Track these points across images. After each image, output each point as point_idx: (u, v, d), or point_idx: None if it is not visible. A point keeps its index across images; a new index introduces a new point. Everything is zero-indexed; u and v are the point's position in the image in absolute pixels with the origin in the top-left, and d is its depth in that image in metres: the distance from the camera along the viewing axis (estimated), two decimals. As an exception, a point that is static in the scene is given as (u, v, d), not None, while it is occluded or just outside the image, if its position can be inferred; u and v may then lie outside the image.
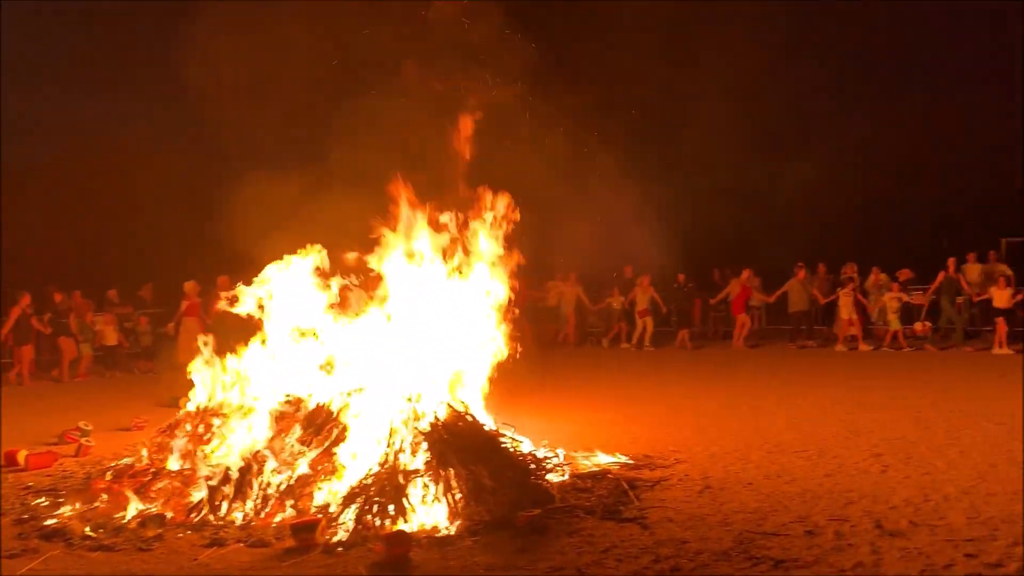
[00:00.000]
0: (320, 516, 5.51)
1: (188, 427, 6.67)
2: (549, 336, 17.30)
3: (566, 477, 6.53)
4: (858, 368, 12.96)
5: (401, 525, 5.45)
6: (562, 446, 7.35)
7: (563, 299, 17.34)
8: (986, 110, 23.07)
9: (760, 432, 8.32)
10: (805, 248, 19.32)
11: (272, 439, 6.22)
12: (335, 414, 6.22)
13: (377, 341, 6.60)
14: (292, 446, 6.13)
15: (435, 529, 5.47)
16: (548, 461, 6.69)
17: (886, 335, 14.91)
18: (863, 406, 9.56)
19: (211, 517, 5.72)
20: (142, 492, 6.01)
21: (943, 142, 23.59)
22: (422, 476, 5.75)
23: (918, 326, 14.87)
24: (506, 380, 7.23)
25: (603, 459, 7.19)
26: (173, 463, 6.33)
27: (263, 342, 6.89)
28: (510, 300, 7.13)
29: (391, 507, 5.57)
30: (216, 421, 6.60)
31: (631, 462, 7.17)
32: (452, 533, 5.40)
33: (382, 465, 5.87)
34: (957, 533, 5.19)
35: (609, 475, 6.68)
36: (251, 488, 5.87)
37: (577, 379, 12.82)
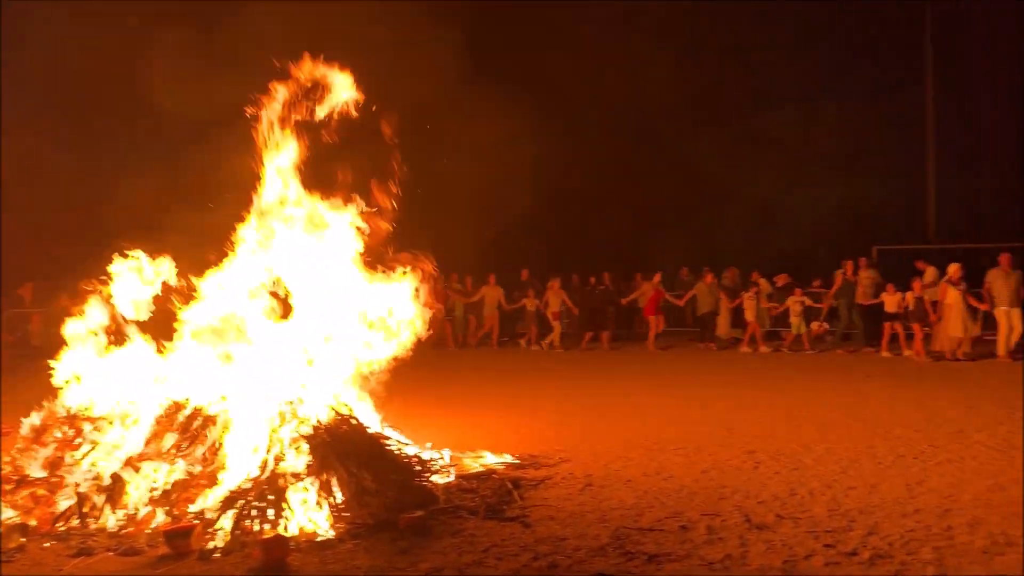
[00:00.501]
0: (196, 522, 5.38)
1: (58, 432, 6.38)
2: (458, 338, 17.38)
3: (452, 478, 6.56)
4: (751, 369, 13.44)
5: (281, 530, 5.37)
6: (450, 447, 7.39)
7: (485, 300, 17.44)
8: (858, 120, 24.35)
9: (643, 431, 8.56)
10: (695, 254, 20.07)
11: (147, 444, 6.02)
12: (213, 418, 6.07)
13: (260, 342, 6.47)
14: (168, 451, 5.95)
15: (315, 533, 5.41)
16: (434, 463, 6.71)
17: (788, 337, 15.63)
18: (741, 406, 9.96)
19: (79, 526, 5.50)
20: (4, 501, 5.72)
21: (817, 152, 24.81)
22: (303, 480, 5.68)
23: (815, 325, 15.60)
24: (401, 382, 7.20)
25: (490, 459, 7.26)
26: (37, 470, 6.04)
27: (139, 344, 6.66)
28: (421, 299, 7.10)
29: (270, 511, 5.48)
30: (87, 426, 6.34)
31: (517, 462, 7.26)
32: (333, 536, 5.36)
33: (261, 469, 5.77)
34: (819, 525, 5.48)
35: (495, 475, 6.76)
36: (123, 495, 5.67)
37: (478, 381, 12.86)
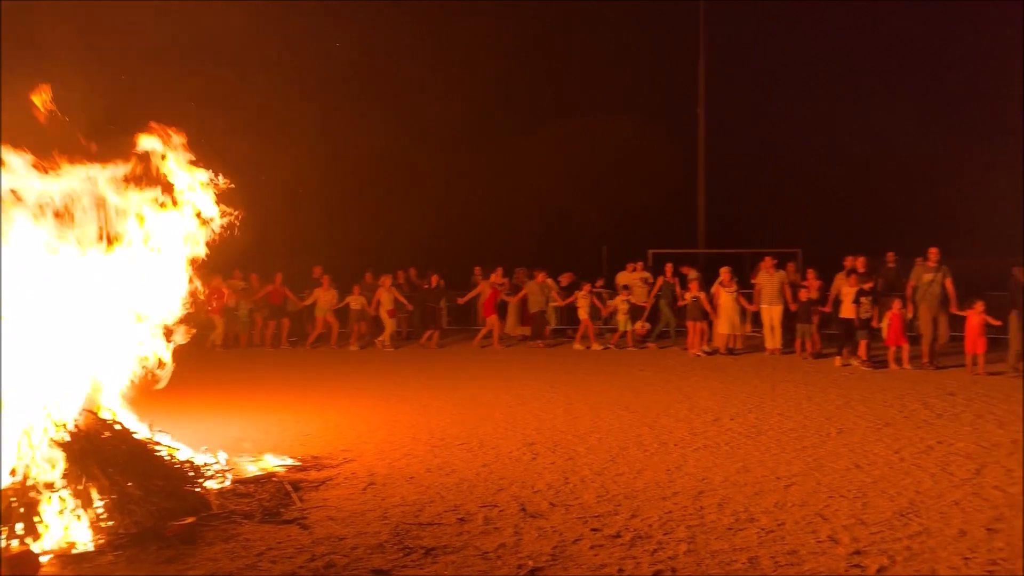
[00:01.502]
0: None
1: None
2: (242, 338, 16.60)
3: (227, 483, 6.33)
4: (545, 365, 13.86)
5: (34, 544, 4.95)
6: (229, 451, 7.13)
7: (317, 303, 16.81)
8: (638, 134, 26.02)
9: (428, 427, 8.67)
10: (485, 254, 20.52)
11: None
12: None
13: (14, 342, 5.91)
14: None
15: (73, 545, 5.04)
16: (208, 468, 6.44)
17: (615, 335, 16.32)
18: (523, 399, 10.32)
19: None
20: None
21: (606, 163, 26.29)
22: (58, 490, 5.27)
23: (638, 325, 16.36)
24: (181, 384, 6.83)
25: (271, 462, 7.07)
26: None
27: None
28: (199, 299, 6.74)
29: (20, 525, 5.04)
30: None
31: (299, 464, 7.12)
32: (92, 549, 5.02)
33: (12, 480, 5.29)
34: (588, 510, 5.82)
35: (274, 478, 6.60)
36: None
37: (272, 383, 12.38)
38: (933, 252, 12.73)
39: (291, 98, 23.64)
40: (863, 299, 12.77)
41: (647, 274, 16.59)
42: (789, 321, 14.50)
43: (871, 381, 11.36)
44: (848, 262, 13.92)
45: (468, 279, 18.63)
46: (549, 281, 16.73)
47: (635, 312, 16.16)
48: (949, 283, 12.68)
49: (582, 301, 16.22)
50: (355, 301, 16.67)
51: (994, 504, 5.80)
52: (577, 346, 16.00)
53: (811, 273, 14.40)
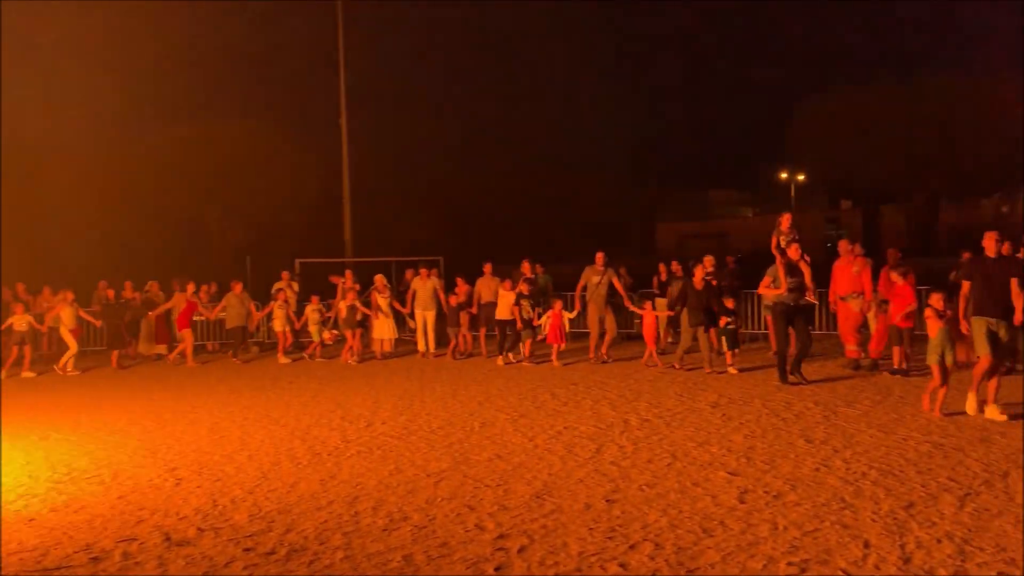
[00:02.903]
0: None
1: None
2: None
3: None
4: (190, 384, 12.92)
5: None
6: None
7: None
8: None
9: (49, 461, 7.71)
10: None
11: None
12: None
13: None
14: None
15: None
16: None
17: (312, 345, 15.52)
18: (163, 421, 9.61)
19: None
20: None
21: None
22: None
23: (326, 335, 15.73)
24: None
25: None
26: None
27: None
28: None
29: None
30: None
31: None
32: None
33: None
34: (240, 531, 5.59)
35: None
36: None
37: None
38: (599, 256, 13.66)
39: None
40: (523, 301, 13.72)
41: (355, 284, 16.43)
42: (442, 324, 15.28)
43: (508, 377, 12.30)
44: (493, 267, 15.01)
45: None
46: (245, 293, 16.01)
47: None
48: (616, 282, 13.66)
49: (277, 312, 15.57)
50: (19, 321, 14.26)
51: (611, 478, 6.60)
52: (282, 360, 15.19)
53: (459, 279, 15.29)
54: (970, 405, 8.46)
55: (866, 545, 4.94)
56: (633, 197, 57.06)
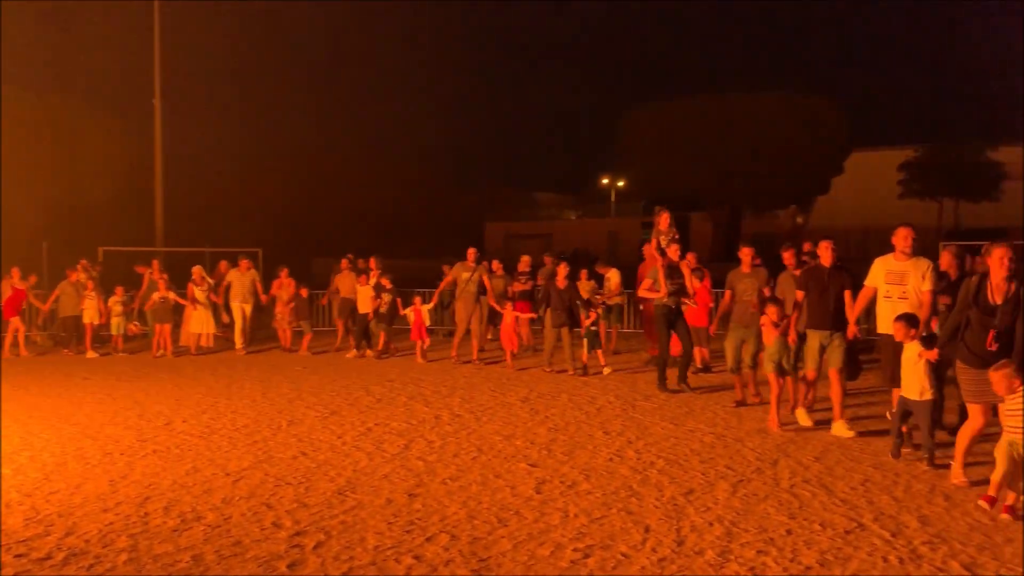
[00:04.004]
0: None
1: None
2: None
3: None
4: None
5: None
6: None
7: None
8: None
9: None
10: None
11: None
12: None
13: None
14: None
15: None
16: None
17: (115, 339, 14.59)
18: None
19: None
20: None
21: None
22: None
23: (131, 327, 14.86)
24: None
25: None
26: None
27: None
28: None
29: None
30: None
31: None
32: None
33: None
34: (13, 536, 5.22)
35: None
36: None
37: None
38: (471, 252, 13.46)
39: None
40: (383, 295, 13.63)
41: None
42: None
43: (323, 374, 12.11)
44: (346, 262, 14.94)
45: None
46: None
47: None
48: (487, 280, 13.43)
49: (88, 303, 14.42)
50: None
51: (416, 473, 6.68)
52: (91, 354, 14.07)
53: (284, 271, 14.94)
54: (802, 417, 8.28)
55: (647, 530, 5.29)
56: (462, 196, 57.67)
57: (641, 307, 12.95)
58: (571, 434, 8.02)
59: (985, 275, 6.09)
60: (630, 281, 13.27)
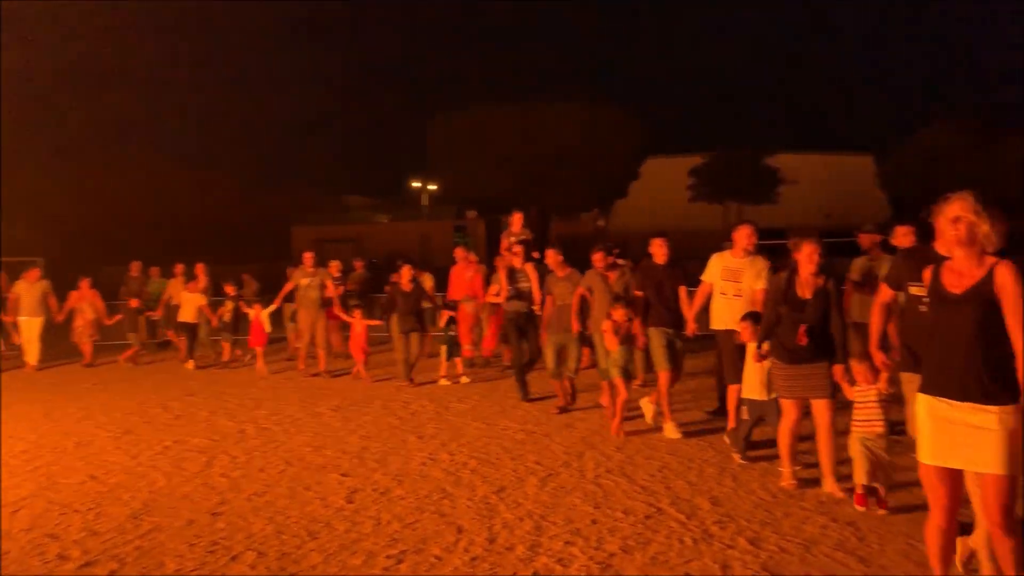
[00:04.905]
0: None
1: None
2: None
3: None
4: None
5: None
6: None
7: None
8: None
9: None
10: None
11: None
12: None
13: None
14: None
15: None
16: None
17: None
18: None
19: None
20: None
21: None
22: None
23: None
24: None
25: None
26: None
27: None
28: None
29: None
30: None
31: None
32: None
33: None
34: None
35: None
36: None
37: None
38: (308, 256, 12.62)
39: None
40: (227, 302, 13.05)
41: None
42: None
43: (113, 391, 11.28)
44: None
45: None
46: None
47: None
48: (331, 285, 12.62)
49: None
50: None
51: (219, 491, 6.37)
52: None
53: (85, 282, 14.04)
54: (647, 411, 8.17)
55: (459, 530, 5.34)
56: (265, 200, 55.61)
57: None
58: (384, 441, 7.95)
59: (794, 271, 6.05)
60: (442, 285, 13.33)
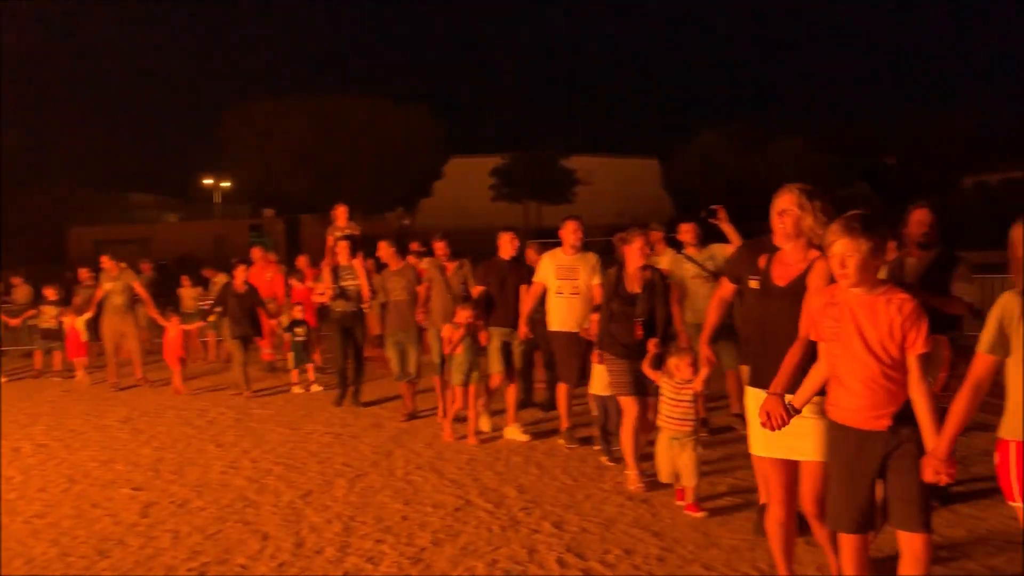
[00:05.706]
0: None
1: None
2: None
3: None
4: None
5: None
6: None
7: None
8: None
9: None
10: None
11: None
12: None
13: None
14: None
15: None
16: None
17: None
18: None
19: None
20: None
21: None
22: None
23: None
24: None
25: None
26: None
27: None
28: None
29: None
30: None
31: None
32: None
33: None
34: None
35: None
36: None
37: None
38: (105, 260, 11.41)
39: None
40: (50, 307, 12.42)
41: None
42: None
43: None
44: None
45: None
46: None
47: None
48: (138, 287, 11.46)
49: None
50: None
51: (-9, 515, 5.80)
52: None
53: None
54: (484, 422, 7.79)
55: (265, 537, 5.18)
56: (29, 200, 50.66)
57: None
58: (180, 451, 7.54)
59: (622, 266, 6.02)
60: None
